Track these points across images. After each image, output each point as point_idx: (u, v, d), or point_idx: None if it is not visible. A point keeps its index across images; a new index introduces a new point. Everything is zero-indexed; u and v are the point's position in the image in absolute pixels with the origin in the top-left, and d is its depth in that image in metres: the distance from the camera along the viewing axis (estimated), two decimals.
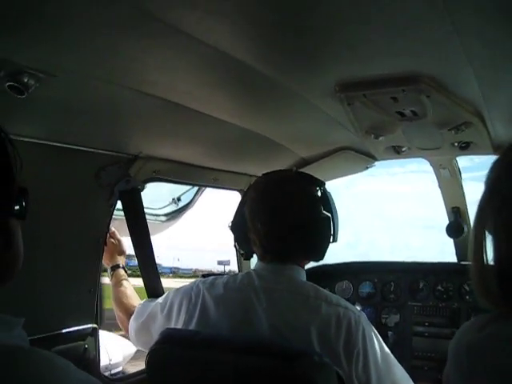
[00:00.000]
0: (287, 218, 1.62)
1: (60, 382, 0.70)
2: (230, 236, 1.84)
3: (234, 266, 2.84)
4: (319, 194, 1.70)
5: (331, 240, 1.70)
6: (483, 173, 0.97)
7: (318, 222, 1.66)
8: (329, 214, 1.67)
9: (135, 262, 2.33)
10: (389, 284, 2.90)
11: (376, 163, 2.43)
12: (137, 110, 1.62)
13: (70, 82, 1.35)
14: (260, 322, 1.55)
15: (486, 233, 0.94)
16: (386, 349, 1.59)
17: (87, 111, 1.54)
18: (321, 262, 2.94)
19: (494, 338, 0.90)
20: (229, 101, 1.70)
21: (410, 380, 1.64)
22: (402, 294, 2.86)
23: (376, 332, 1.59)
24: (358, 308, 1.65)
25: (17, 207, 0.78)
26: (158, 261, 2.17)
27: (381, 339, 1.59)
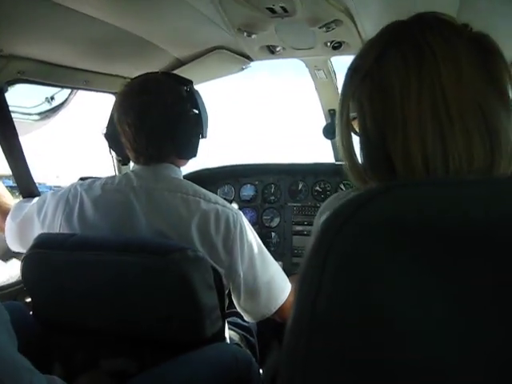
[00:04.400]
0: (153, 116, 1.59)
1: None
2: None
3: None
4: (186, 92, 1.68)
5: (200, 136, 1.71)
6: None
7: (186, 119, 1.65)
8: (196, 111, 1.67)
9: (10, 182, 2.22)
10: (269, 186, 2.98)
11: (251, 64, 2.40)
12: None
13: None
14: (140, 222, 1.54)
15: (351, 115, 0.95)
16: (263, 246, 1.66)
17: None
18: (202, 167, 3.00)
19: None
20: None
21: (284, 274, 1.72)
22: (282, 195, 2.95)
23: (253, 230, 1.65)
24: (236, 206, 1.69)
25: None
26: (40, 180, 2.08)
27: (257, 237, 1.65)
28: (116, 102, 1.68)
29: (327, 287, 0.45)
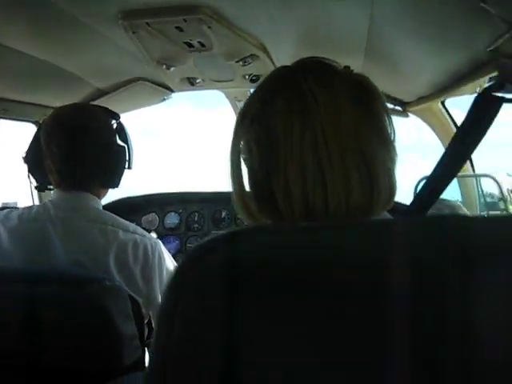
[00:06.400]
0: (85, 143, 1.61)
1: None
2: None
3: None
4: (115, 125, 1.74)
5: (126, 167, 1.76)
6: None
7: (115, 150, 1.70)
8: (124, 144, 1.73)
9: None
10: (193, 214, 3.01)
11: (173, 95, 2.45)
12: None
13: None
14: (57, 253, 1.51)
15: (241, 157, 1.01)
16: None
17: None
18: (126, 195, 2.99)
19: None
20: (12, 25, 1.56)
21: None
22: (206, 223, 2.99)
23: (172, 259, 1.68)
24: (154, 236, 1.70)
25: None
26: None
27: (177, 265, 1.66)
28: (45, 124, 1.67)
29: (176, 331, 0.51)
